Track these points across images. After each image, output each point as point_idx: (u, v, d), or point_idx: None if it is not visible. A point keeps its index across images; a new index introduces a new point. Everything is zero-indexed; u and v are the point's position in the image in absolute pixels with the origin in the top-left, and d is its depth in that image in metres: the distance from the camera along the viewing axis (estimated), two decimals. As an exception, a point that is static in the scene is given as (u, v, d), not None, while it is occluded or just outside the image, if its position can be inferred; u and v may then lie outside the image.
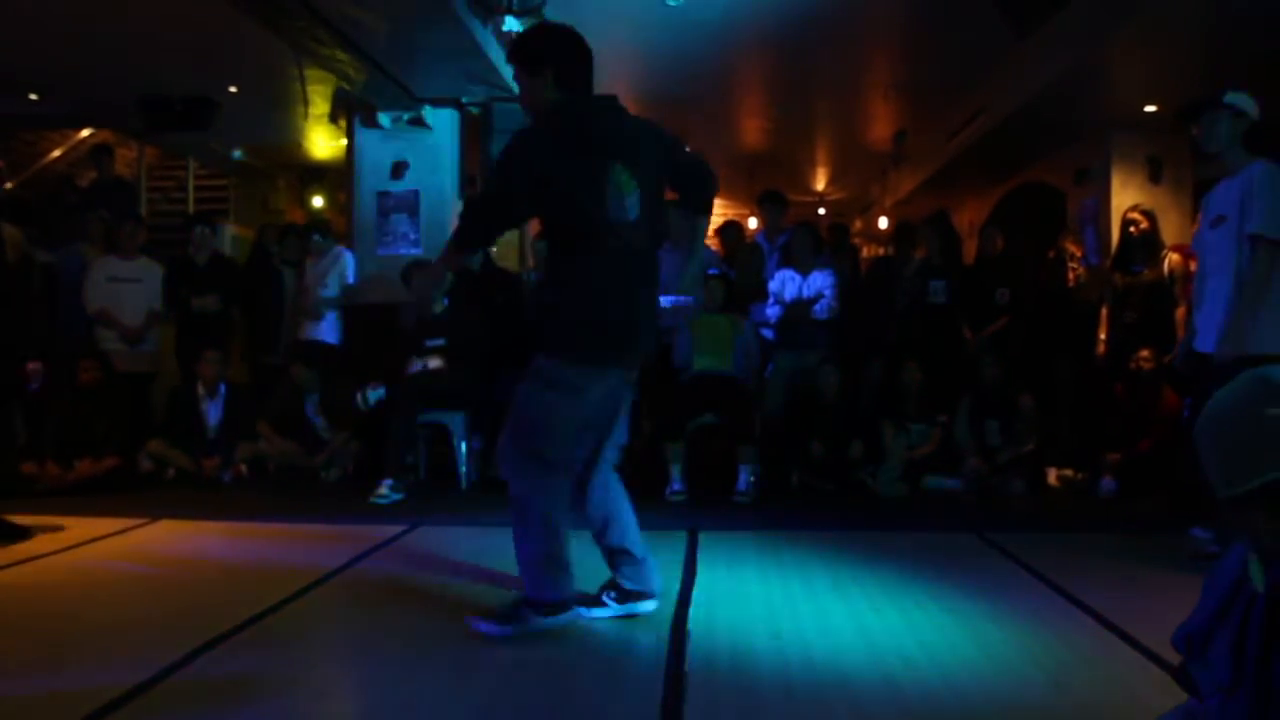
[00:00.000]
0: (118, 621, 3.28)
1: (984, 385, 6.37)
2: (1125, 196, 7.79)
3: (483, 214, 3.09)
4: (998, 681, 2.64)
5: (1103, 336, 6.32)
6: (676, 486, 5.80)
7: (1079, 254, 7.17)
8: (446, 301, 6.49)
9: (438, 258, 3.43)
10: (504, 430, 3.09)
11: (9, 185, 10.13)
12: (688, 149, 3.38)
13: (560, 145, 2.94)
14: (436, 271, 3.43)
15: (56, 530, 4.67)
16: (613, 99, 3.09)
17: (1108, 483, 5.94)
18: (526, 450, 3.01)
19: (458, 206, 7.78)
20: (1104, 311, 6.35)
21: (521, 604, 3.04)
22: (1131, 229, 6.24)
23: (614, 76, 2.95)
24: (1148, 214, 6.24)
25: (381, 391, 6.18)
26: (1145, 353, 5.89)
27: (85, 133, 10.63)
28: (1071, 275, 7.16)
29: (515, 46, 3.14)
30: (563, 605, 3.06)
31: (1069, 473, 6.48)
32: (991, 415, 6.29)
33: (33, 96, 8.37)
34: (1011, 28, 6.22)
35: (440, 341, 6.23)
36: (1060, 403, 6.93)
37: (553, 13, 6.47)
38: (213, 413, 6.64)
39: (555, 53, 3.03)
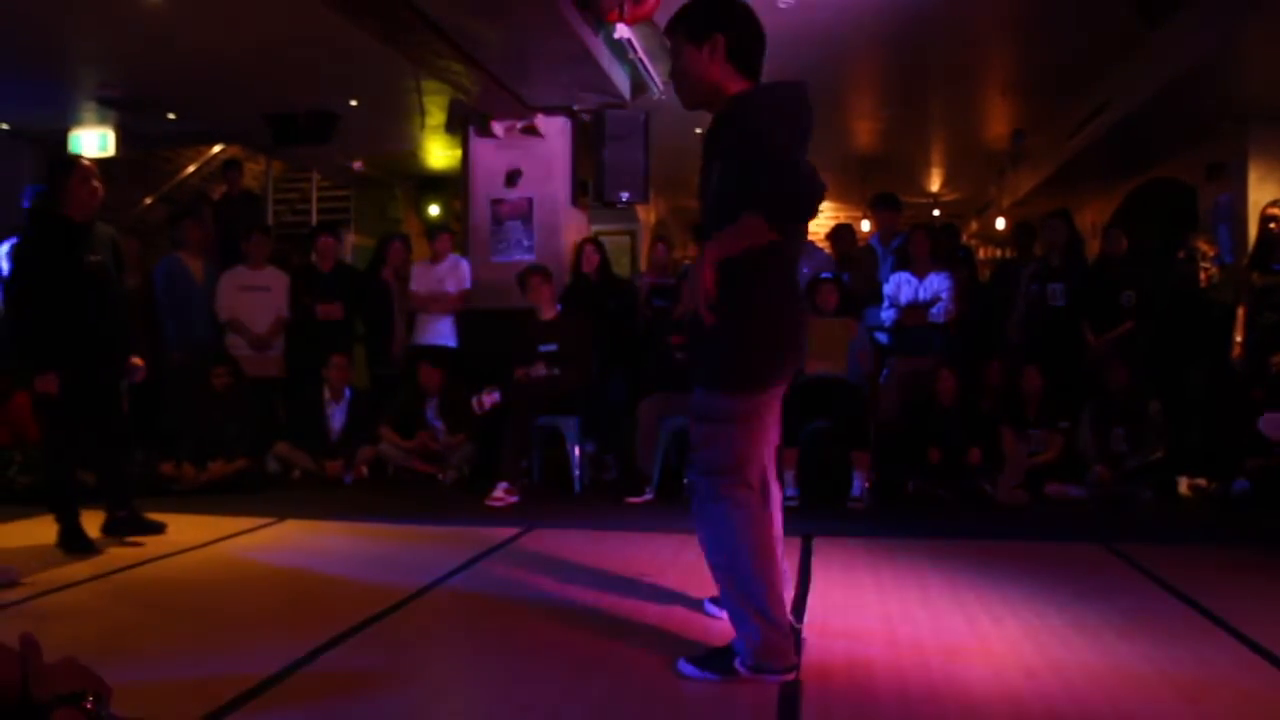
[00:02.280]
0: (248, 616, 3.42)
1: (1109, 391, 6.14)
2: (1263, 192, 7.42)
3: (807, 187, 2.47)
4: (1128, 698, 2.54)
5: (1239, 339, 6.02)
6: (790, 492, 5.74)
7: (1211, 253, 6.85)
8: (560, 307, 6.58)
9: (716, 244, 2.51)
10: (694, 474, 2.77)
11: (148, 201, 10.71)
12: None
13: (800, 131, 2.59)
14: (708, 264, 2.48)
15: (191, 528, 4.90)
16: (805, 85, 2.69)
17: (1240, 483, 5.65)
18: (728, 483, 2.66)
19: (571, 213, 7.88)
20: (1240, 313, 6.05)
21: (729, 654, 2.69)
22: (1272, 225, 5.95)
23: (763, 30, 2.77)
24: (1290, 209, 5.95)
25: (497, 395, 6.30)
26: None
27: (216, 149, 11.14)
28: (1204, 276, 6.84)
29: (677, 14, 2.73)
30: (780, 672, 2.66)
31: (1202, 482, 6.19)
32: (1117, 422, 6.05)
33: (170, 116, 8.80)
34: (1141, 16, 5.99)
35: (553, 346, 6.31)
36: (1192, 409, 6.63)
37: (662, 17, 6.51)
38: (337, 417, 6.87)
39: (726, 20, 2.65)
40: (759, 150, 2.47)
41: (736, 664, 2.66)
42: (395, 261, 7.47)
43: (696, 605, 3.37)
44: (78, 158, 4.51)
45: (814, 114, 2.66)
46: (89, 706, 1.32)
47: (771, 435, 2.83)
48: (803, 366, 2.91)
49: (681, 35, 2.69)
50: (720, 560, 2.69)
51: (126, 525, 4.67)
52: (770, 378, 2.71)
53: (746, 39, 2.67)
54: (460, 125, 8.08)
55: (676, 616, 3.29)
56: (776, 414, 2.86)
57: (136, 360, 4.72)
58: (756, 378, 2.68)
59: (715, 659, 2.71)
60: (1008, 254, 11.37)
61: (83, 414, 4.54)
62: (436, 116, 8.63)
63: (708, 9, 2.69)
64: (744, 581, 2.65)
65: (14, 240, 4.55)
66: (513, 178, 7.74)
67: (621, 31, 6.30)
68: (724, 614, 2.84)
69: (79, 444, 4.63)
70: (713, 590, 3.11)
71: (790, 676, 2.65)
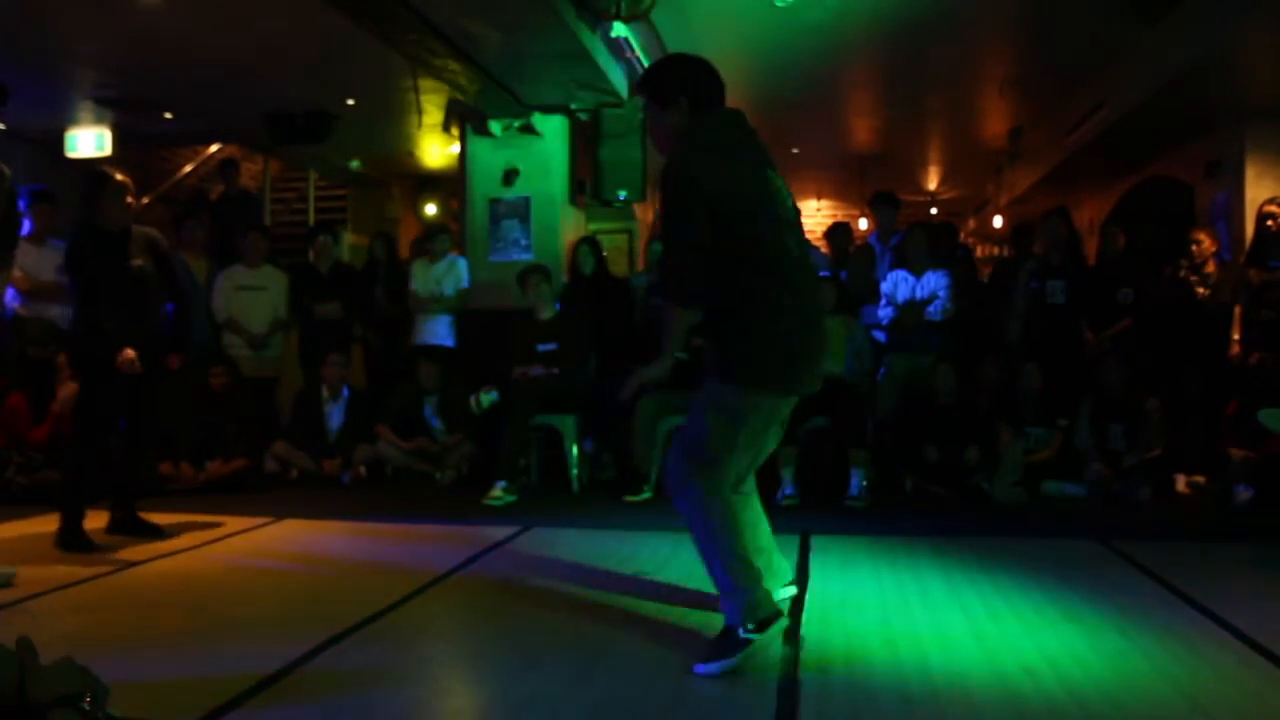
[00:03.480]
0: (248, 615, 3.42)
1: (1107, 388, 6.14)
2: (1261, 189, 7.41)
3: (683, 267, 2.79)
4: (1127, 696, 2.54)
5: (1236, 337, 6.03)
6: (788, 490, 5.75)
7: (1213, 248, 6.78)
8: (559, 306, 6.58)
9: (664, 348, 2.92)
10: (676, 452, 2.95)
11: (145, 200, 10.68)
12: None
13: (720, 158, 2.81)
14: (664, 364, 2.92)
15: (189, 529, 4.89)
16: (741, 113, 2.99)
17: (1243, 489, 5.65)
18: (696, 470, 2.87)
19: (568, 212, 7.88)
20: (1238, 310, 6.05)
21: (728, 633, 2.81)
22: (1269, 222, 5.95)
23: (722, 79, 2.89)
24: (1287, 207, 5.94)
25: (495, 395, 6.29)
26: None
27: (214, 148, 11.12)
28: (1211, 265, 6.77)
29: (644, 79, 3.06)
30: (770, 619, 2.81)
31: (1199, 479, 6.19)
32: (1115, 419, 6.05)
33: (167, 115, 8.78)
34: (1139, 14, 5.98)
35: (552, 346, 6.31)
36: (1190, 407, 6.63)
37: (660, 17, 6.51)
38: (334, 416, 6.86)
39: (689, 82, 2.93)
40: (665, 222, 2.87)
41: (740, 633, 2.75)
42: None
43: (695, 602, 3.37)
44: (110, 172, 4.61)
45: (753, 133, 2.94)
46: (86, 707, 1.32)
47: (764, 446, 3.04)
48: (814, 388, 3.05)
49: (649, 98, 2.99)
50: (699, 537, 2.88)
51: (124, 525, 4.67)
52: (784, 385, 2.90)
53: (708, 94, 2.94)
54: (458, 124, 8.07)
55: (675, 614, 3.30)
56: (773, 433, 3.06)
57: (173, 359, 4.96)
58: (771, 381, 2.85)
59: (721, 644, 2.78)
60: (1005, 252, 11.38)
61: (116, 413, 4.62)
62: (434, 116, 8.62)
63: (671, 74, 2.99)
64: (721, 554, 2.82)
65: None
66: (510, 177, 7.74)
67: (618, 29, 6.29)
68: None
69: (107, 443, 4.67)
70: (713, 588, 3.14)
71: (780, 615, 2.86)
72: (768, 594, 2.84)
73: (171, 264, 4.93)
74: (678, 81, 2.93)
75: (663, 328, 2.92)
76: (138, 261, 4.60)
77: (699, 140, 2.84)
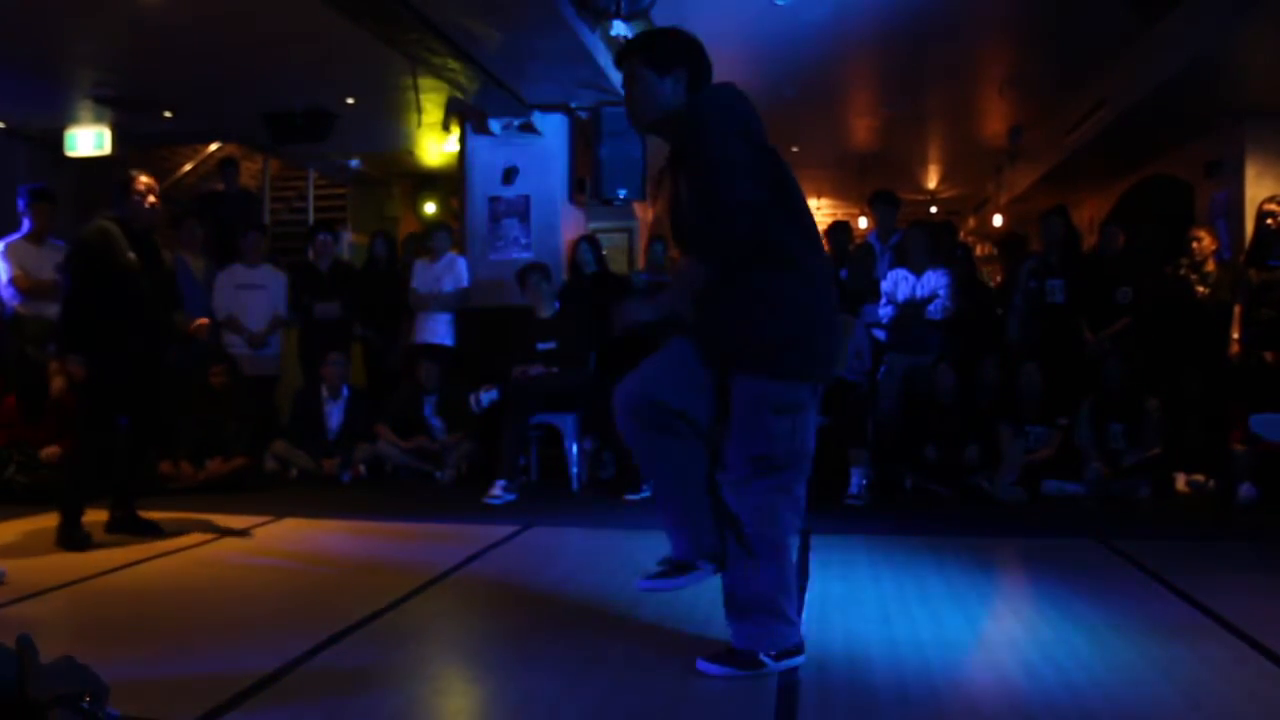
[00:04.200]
0: (247, 614, 3.41)
1: (1107, 387, 6.14)
2: (1261, 188, 7.41)
3: (740, 221, 2.57)
4: (1126, 694, 2.54)
5: (1236, 336, 6.03)
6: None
7: (1213, 246, 6.77)
8: (558, 305, 6.58)
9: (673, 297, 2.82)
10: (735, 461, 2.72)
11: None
12: None
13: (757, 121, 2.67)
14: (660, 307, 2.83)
15: (189, 527, 4.89)
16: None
17: (1247, 489, 5.65)
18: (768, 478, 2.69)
19: (568, 210, 7.87)
20: (1237, 309, 6.05)
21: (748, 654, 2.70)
22: (1269, 221, 5.95)
23: (720, 77, 2.85)
24: (1287, 205, 5.94)
25: (495, 394, 6.29)
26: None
27: (213, 147, 11.12)
28: (1210, 264, 6.76)
29: (638, 43, 2.89)
30: (797, 649, 2.73)
31: (1199, 478, 6.19)
32: (1115, 418, 6.06)
33: (167, 114, 8.78)
34: (1137, 14, 5.98)
35: (551, 344, 6.31)
36: (1189, 406, 6.63)
37: (660, 14, 6.49)
38: (334, 415, 6.86)
39: (690, 57, 2.80)
40: (709, 159, 2.59)
41: (761, 656, 2.66)
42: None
43: (695, 602, 3.37)
44: (137, 174, 4.65)
45: (753, 105, 2.73)
46: (86, 706, 1.31)
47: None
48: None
49: (644, 63, 2.79)
50: (765, 545, 2.68)
51: (123, 524, 4.67)
52: (822, 369, 2.79)
53: (702, 72, 2.81)
54: (458, 122, 8.07)
55: (675, 613, 3.29)
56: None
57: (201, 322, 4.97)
58: (819, 365, 2.75)
59: (739, 656, 2.69)
60: (1002, 259, 11.37)
61: (119, 411, 4.63)
62: (434, 114, 8.61)
63: (674, 43, 2.83)
64: (780, 567, 2.68)
65: (7, 239, 4.61)
66: (510, 175, 7.74)
67: (618, 28, 6.29)
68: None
69: (111, 445, 4.68)
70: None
71: (800, 656, 2.71)
72: (796, 624, 2.75)
73: (161, 258, 4.87)
74: (679, 50, 2.80)
75: (680, 277, 2.71)
76: (132, 257, 4.55)
77: (724, 99, 2.68)
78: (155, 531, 4.68)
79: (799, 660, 2.71)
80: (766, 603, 2.68)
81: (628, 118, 2.96)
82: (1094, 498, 5.89)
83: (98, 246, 4.51)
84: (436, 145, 10.07)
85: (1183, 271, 6.65)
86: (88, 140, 8.87)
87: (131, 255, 4.55)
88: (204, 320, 4.87)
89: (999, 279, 8.89)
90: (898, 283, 6.52)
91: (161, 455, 6.17)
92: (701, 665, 2.69)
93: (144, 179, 4.67)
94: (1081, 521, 5.25)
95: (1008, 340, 6.97)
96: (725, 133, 2.59)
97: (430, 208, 12.04)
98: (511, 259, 7.50)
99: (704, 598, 3.35)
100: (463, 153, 8.05)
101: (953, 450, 5.99)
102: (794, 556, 2.76)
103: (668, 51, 2.80)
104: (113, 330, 4.51)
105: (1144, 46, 7.12)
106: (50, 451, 5.77)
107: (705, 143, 2.62)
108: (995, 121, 9.95)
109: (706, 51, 2.85)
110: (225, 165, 9.29)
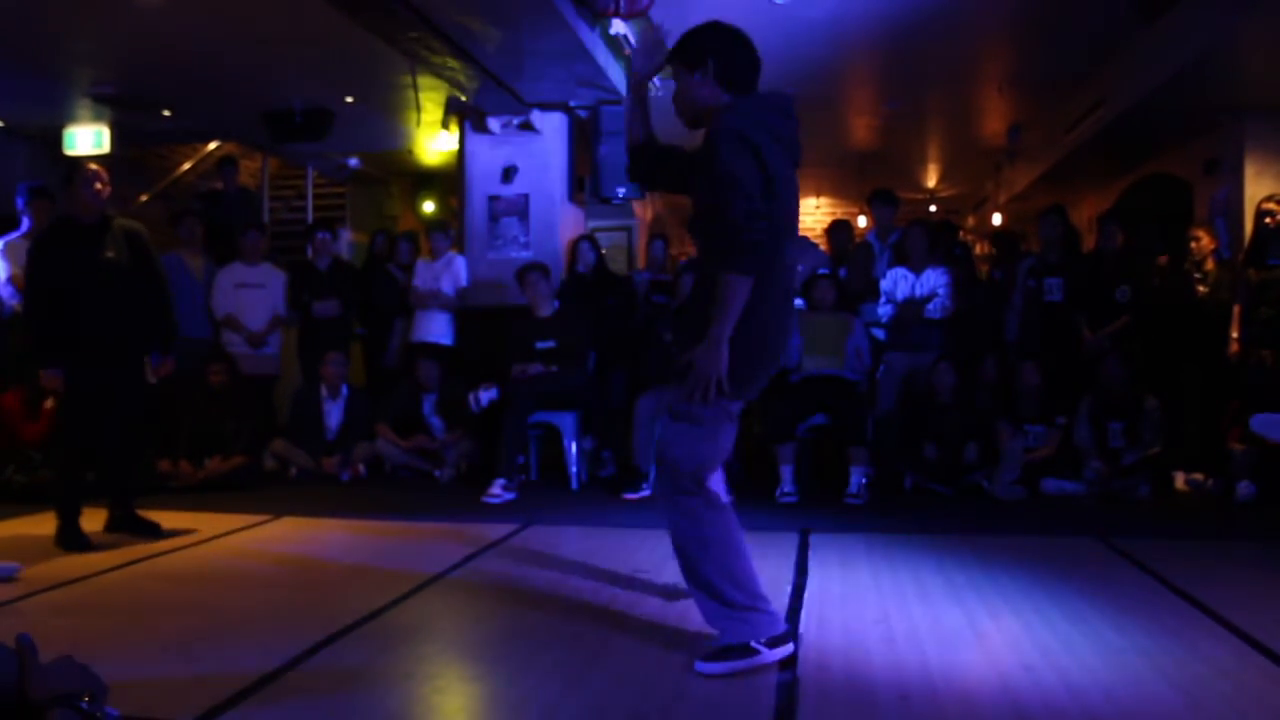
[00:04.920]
0: (246, 613, 3.41)
1: (1106, 386, 6.14)
2: (1260, 187, 7.41)
3: (755, 237, 2.58)
4: (1125, 693, 2.54)
5: (1235, 334, 6.03)
6: (787, 488, 5.75)
7: (1211, 246, 6.77)
8: (558, 304, 6.58)
9: (718, 328, 2.63)
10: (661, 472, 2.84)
11: (143, 198, 10.68)
12: None
13: (771, 140, 2.67)
14: (717, 349, 2.64)
15: (188, 526, 4.89)
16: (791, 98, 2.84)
17: (1245, 487, 5.66)
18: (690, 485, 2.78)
19: (567, 209, 7.87)
20: (1236, 308, 6.05)
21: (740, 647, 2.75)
22: (1268, 220, 5.95)
23: (758, 54, 2.81)
24: (1286, 204, 5.94)
25: (494, 392, 6.29)
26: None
27: (212, 146, 11.11)
28: (1210, 263, 6.76)
29: (677, 44, 2.86)
30: (785, 637, 2.79)
31: (1198, 476, 6.20)
32: (1114, 417, 6.06)
33: (166, 113, 8.77)
34: (1138, 11, 5.97)
35: (551, 344, 6.31)
36: (1188, 404, 6.63)
37: (659, 12, 6.49)
38: (333, 414, 6.86)
39: (718, 44, 2.78)
40: (718, 175, 2.61)
41: (754, 644, 2.71)
42: (404, 259, 7.61)
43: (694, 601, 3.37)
44: (81, 161, 4.57)
45: (798, 123, 2.78)
46: (84, 706, 1.31)
47: (727, 444, 2.91)
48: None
49: (678, 62, 2.83)
50: (684, 553, 2.82)
51: (122, 523, 4.67)
52: (751, 389, 2.83)
53: (737, 60, 2.78)
54: (457, 121, 8.07)
55: (673, 612, 3.29)
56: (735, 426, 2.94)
57: (164, 366, 4.81)
58: (740, 387, 2.75)
59: (731, 650, 2.73)
60: (995, 254, 11.37)
61: (98, 410, 4.57)
62: (433, 113, 8.61)
63: (699, 35, 2.83)
64: (719, 568, 2.76)
65: (7, 237, 4.60)
66: (509, 174, 7.74)
67: (617, 27, 6.29)
68: None
69: (92, 441, 4.65)
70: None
71: (789, 644, 2.77)
72: (766, 615, 2.78)
73: (151, 257, 4.78)
74: (706, 43, 2.79)
75: (718, 303, 2.61)
76: (109, 254, 4.53)
77: (752, 114, 2.70)
78: (154, 531, 4.68)
79: (790, 649, 2.77)
80: (721, 593, 2.75)
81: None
82: (1093, 496, 5.90)
83: (29, 261, 4.50)
84: (435, 144, 10.07)
85: (1186, 267, 6.65)
86: (87, 139, 8.87)
87: (109, 254, 4.48)
88: (168, 364, 4.76)
89: (986, 268, 8.90)
90: (897, 282, 6.52)
91: (161, 454, 6.18)
92: (699, 666, 2.71)
93: (90, 165, 4.58)
94: (1081, 520, 5.25)
95: (1007, 339, 6.97)
96: (740, 163, 2.60)
97: (429, 206, 12.04)
98: (510, 258, 7.50)
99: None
100: (462, 152, 8.04)
101: (952, 449, 6.00)
102: (735, 539, 2.79)
103: (694, 46, 2.80)
104: (70, 338, 4.44)
105: (1143, 45, 7.12)
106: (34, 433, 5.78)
107: (723, 169, 2.61)
108: (994, 120, 9.94)
109: (745, 42, 2.81)
110: (224, 164, 9.28)
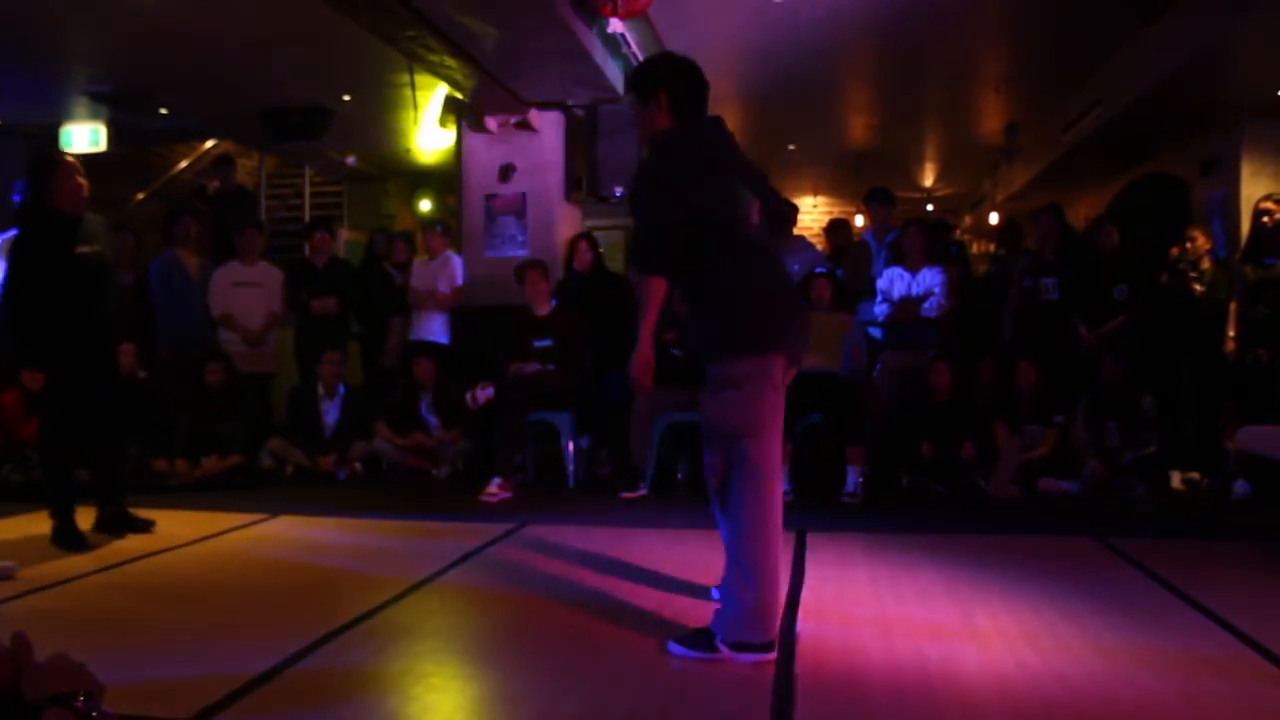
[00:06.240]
0: (242, 612, 3.41)
1: (1103, 385, 6.15)
2: (1257, 187, 7.42)
3: (653, 246, 2.92)
4: (1121, 692, 2.55)
5: (1231, 334, 6.03)
6: (784, 487, 5.74)
7: (1207, 246, 6.77)
8: (555, 303, 6.57)
9: (641, 332, 2.99)
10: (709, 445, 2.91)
11: (140, 197, 10.67)
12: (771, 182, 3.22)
13: (692, 166, 2.93)
14: (644, 353, 2.98)
15: (185, 524, 4.88)
16: (719, 120, 3.10)
17: (1242, 485, 5.66)
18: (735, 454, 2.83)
19: (564, 208, 7.87)
20: (1233, 307, 6.06)
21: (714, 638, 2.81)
22: (1265, 219, 5.95)
23: (719, 75, 2.90)
24: (1283, 203, 5.94)
25: (491, 391, 6.29)
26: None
27: (209, 144, 11.10)
28: (1206, 262, 6.76)
29: (632, 74, 3.16)
30: (769, 646, 2.79)
31: (1195, 475, 6.20)
32: (1111, 416, 6.06)
33: (163, 111, 8.77)
34: (1137, 11, 5.97)
35: (548, 342, 6.31)
36: (1185, 403, 6.64)
37: (657, 13, 6.50)
38: (331, 412, 6.86)
39: (667, 78, 3.03)
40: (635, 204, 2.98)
41: (717, 642, 2.78)
42: (399, 258, 7.56)
43: (691, 600, 3.37)
44: (61, 154, 4.51)
45: (730, 136, 3.07)
46: (80, 706, 1.31)
47: (779, 419, 2.94)
48: (800, 358, 3.07)
49: (634, 94, 3.10)
50: (733, 524, 2.84)
51: (114, 522, 4.65)
52: (765, 342, 2.89)
53: (687, 91, 3.03)
54: (454, 119, 8.06)
55: (671, 611, 3.29)
56: (782, 405, 2.96)
57: (125, 349, 4.71)
58: (752, 341, 2.87)
59: (699, 638, 2.82)
60: (1000, 249, 11.38)
61: (80, 407, 4.54)
62: (431, 112, 8.60)
63: (652, 69, 3.15)
64: (747, 547, 2.80)
65: (6, 235, 4.57)
66: (506, 173, 7.73)
67: (615, 26, 6.28)
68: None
69: (76, 439, 4.62)
70: (716, 581, 3.13)
71: (770, 655, 2.75)
72: (769, 618, 2.79)
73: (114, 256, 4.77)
74: (657, 77, 3.05)
75: (639, 298, 2.99)
76: (88, 248, 4.48)
77: (675, 151, 2.94)
78: (145, 527, 4.67)
79: (759, 658, 2.74)
80: (730, 586, 2.83)
81: None
82: (1090, 495, 5.90)
83: (12, 257, 4.44)
84: (432, 142, 10.07)
85: (1181, 266, 6.66)
86: (84, 137, 8.86)
87: (87, 249, 4.43)
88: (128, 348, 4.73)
89: (983, 267, 8.90)
90: (893, 281, 6.52)
91: (157, 453, 6.17)
92: (671, 647, 2.83)
93: (68, 158, 4.52)
94: (1077, 519, 5.25)
95: (1003, 338, 6.97)
96: (651, 198, 2.92)
97: (426, 205, 12.03)
98: (508, 256, 7.50)
99: (703, 597, 3.36)
100: (459, 150, 8.04)
101: (949, 448, 6.00)
102: (757, 541, 2.80)
103: (648, 79, 3.08)
104: (53, 335, 4.41)
105: (1140, 44, 7.12)
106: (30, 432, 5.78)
107: (638, 201, 2.98)
108: (991, 119, 9.95)
109: (695, 72, 3.05)
110: (221, 162, 9.28)
